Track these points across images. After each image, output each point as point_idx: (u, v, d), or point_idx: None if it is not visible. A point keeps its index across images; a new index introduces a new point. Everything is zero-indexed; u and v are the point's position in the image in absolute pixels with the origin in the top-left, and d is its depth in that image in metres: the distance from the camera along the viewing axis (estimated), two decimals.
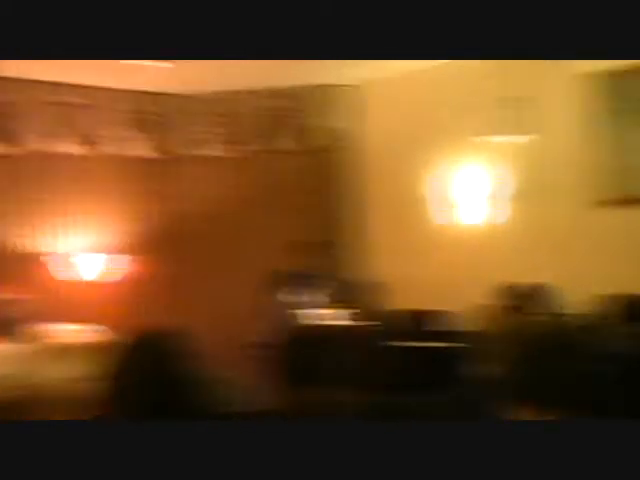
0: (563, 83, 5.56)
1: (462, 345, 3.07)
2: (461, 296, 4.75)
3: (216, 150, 6.39)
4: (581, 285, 4.56)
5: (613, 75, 5.38)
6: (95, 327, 5.35)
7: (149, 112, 6.17)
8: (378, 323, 4.09)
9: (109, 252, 5.93)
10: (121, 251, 6.03)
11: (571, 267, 5.35)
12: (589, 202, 5.46)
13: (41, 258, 5.69)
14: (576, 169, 5.51)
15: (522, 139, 5.62)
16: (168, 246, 6.21)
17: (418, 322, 3.73)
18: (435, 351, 3.04)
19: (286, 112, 6.42)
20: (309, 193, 6.44)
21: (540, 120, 5.58)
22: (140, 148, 6.17)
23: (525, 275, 4.89)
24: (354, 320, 4.94)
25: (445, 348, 3.08)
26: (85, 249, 5.88)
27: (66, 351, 4.88)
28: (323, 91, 6.43)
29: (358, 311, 5.04)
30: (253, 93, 6.36)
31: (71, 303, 5.75)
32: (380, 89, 6.46)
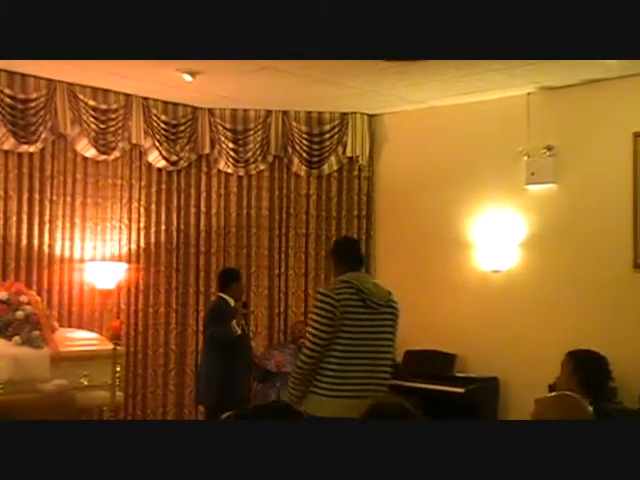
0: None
1: None
2: None
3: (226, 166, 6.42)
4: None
5: None
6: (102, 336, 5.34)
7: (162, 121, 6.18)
8: None
9: (121, 260, 5.91)
10: (130, 260, 6.06)
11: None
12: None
13: (56, 262, 5.67)
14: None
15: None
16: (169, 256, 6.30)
17: None
18: None
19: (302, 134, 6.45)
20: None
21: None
22: (153, 157, 6.18)
23: None
24: None
25: None
26: (100, 257, 5.86)
27: (77, 359, 4.88)
28: (345, 118, 6.45)
29: None
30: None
31: (84, 310, 5.74)
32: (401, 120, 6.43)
